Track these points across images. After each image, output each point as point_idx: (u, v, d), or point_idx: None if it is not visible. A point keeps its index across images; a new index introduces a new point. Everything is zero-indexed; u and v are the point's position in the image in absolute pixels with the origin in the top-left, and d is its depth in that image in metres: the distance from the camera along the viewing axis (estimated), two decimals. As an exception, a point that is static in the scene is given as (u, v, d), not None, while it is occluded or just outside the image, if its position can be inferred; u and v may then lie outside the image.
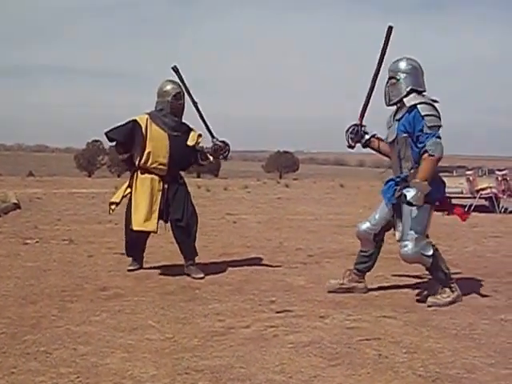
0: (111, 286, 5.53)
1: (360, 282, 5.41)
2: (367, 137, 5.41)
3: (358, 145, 5.46)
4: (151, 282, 5.75)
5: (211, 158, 6.26)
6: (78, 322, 4.35)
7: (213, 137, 6.16)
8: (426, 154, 4.84)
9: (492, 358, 3.67)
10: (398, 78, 5.08)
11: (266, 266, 6.67)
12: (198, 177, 41.00)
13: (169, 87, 6.05)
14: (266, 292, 5.38)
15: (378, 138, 5.41)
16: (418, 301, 5.10)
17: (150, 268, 6.37)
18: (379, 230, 5.29)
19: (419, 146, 4.89)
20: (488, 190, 14.98)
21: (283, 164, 51.40)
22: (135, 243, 6.25)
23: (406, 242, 4.93)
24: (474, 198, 14.60)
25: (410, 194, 4.80)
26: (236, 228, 10.33)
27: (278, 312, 4.68)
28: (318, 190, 24.39)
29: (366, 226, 5.34)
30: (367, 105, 5.39)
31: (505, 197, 15.08)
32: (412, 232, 4.92)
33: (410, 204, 4.83)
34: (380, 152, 5.46)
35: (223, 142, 6.18)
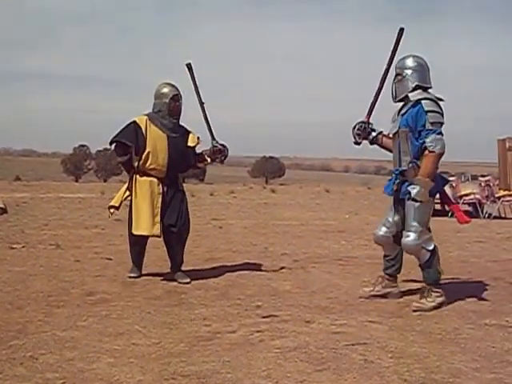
0: (98, 291, 5.52)
1: (394, 287, 5.45)
2: (374, 134, 5.51)
3: (365, 142, 5.54)
4: (138, 287, 5.74)
5: (209, 159, 6.27)
6: (65, 327, 4.34)
7: (213, 138, 6.19)
8: (426, 151, 4.94)
9: (477, 363, 3.70)
10: (405, 74, 5.17)
11: (252, 270, 6.68)
12: (183, 182, 40.82)
13: (167, 89, 6.05)
14: (252, 297, 5.39)
15: (384, 135, 5.50)
16: (403, 306, 5.13)
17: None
18: (397, 231, 5.32)
19: (419, 141, 4.98)
20: (471, 196, 15.08)
21: (269, 169, 51.43)
22: (140, 249, 6.24)
23: (410, 233, 5.01)
24: (458, 203, 14.69)
25: (414, 190, 4.94)
26: (222, 233, 10.33)
27: (264, 317, 4.69)
28: (303, 195, 24.43)
29: (383, 230, 5.38)
30: (375, 103, 5.48)
31: (488, 202, 15.18)
32: (416, 224, 5.00)
33: (414, 200, 4.95)
34: (386, 149, 5.53)
35: (223, 145, 6.21)
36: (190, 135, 6.17)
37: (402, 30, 5.28)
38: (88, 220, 11.59)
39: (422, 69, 5.19)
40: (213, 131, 6.17)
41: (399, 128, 5.13)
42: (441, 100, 5.10)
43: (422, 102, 5.01)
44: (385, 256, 5.50)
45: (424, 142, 4.93)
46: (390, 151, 5.43)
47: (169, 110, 6.02)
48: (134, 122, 5.99)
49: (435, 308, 4.97)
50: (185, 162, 6.20)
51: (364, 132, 5.48)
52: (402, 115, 5.16)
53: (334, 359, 3.72)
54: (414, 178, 5.01)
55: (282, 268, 6.86)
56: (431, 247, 5.05)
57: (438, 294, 5.06)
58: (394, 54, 5.31)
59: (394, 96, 5.28)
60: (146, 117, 6.02)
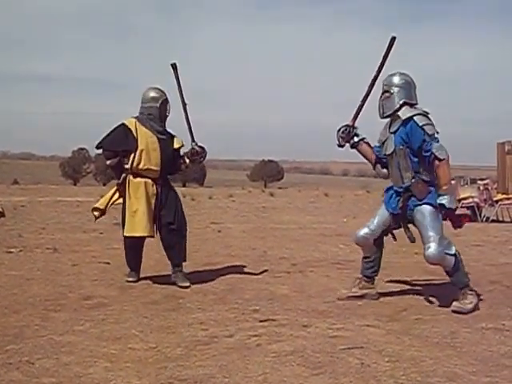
0: (95, 296, 5.52)
1: (370, 288, 5.50)
2: (356, 139, 5.56)
3: (347, 145, 5.59)
4: (135, 292, 5.74)
5: (187, 161, 6.30)
6: (62, 332, 4.34)
7: (193, 140, 6.22)
8: (436, 161, 5.03)
9: (473, 367, 3.70)
10: (392, 91, 5.27)
11: (250, 274, 6.69)
12: (184, 186, 40.95)
13: (156, 94, 6.10)
14: (250, 301, 5.39)
15: (366, 143, 5.57)
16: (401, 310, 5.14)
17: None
18: (379, 235, 5.41)
19: (425, 154, 5.07)
20: (470, 200, 15.10)
21: (268, 173, 51.46)
22: (136, 252, 6.24)
23: (430, 244, 5.03)
24: (456, 207, 14.72)
25: (445, 201, 5.04)
26: (220, 237, 10.34)
27: (261, 321, 4.69)
28: (302, 198, 24.46)
29: (364, 231, 5.46)
30: (361, 108, 5.54)
31: (486, 206, 15.20)
32: (433, 233, 5.04)
33: (450, 209, 5.09)
34: (365, 157, 5.62)
35: (201, 147, 6.25)
36: (175, 138, 6.24)
37: (393, 38, 5.34)
38: (86, 224, 11.60)
39: (408, 86, 5.29)
40: (193, 133, 6.21)
41: (395, 147, 5.23)
42: (428, 113, 5.21)
43: (415, 118, 5.12)
44: (364, 258, 5.57)
45: (431, 154, 5.03)
46: (367, 159, 5.58)
47: (159, 114, 6.07)
48: (123, 124, 6.02)
49: (472, 311, 5.02)
50: (175, 163, 6.25)
51: (348, 136, 5.54)
52: (394, 133, 5.26)
53: (331, 363, 3.72)
54: (420, 190, 5.11)
55: (280, 272, 6.87)
56: (453, 251, 5.11)
57: (473, 296, 5.13)
58: (385, 62, 5.38)
59: (382, 112, 5.37)
60: (135, 119, 6.06)
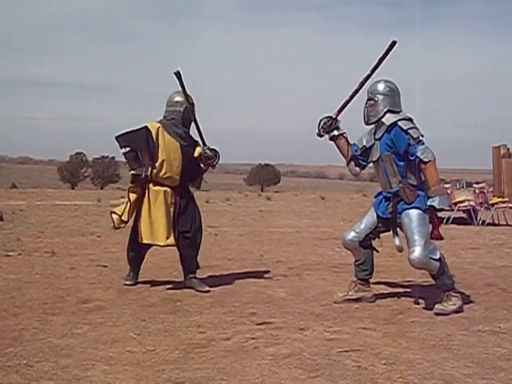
0: (93, 299, 5.54)
1: (366, 291, 5.54)
2: (336, 132, 5.60)
3: (326, 136, 5.63)
4: (133, 295, 5.75)
5: (202, 165, 6.25)
6: (60, 335, 4.35)
7: (204, 144, 6.16)
8: (422, 164, 5.08)
9: (469, 369, 3.72)
10: (376, 99, 5.33)
11: (247, 278, 6.70)
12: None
13: (181, 98, 6.05)
14: (247, 304, 5.41)
15: (345, 138, 5.61)
16: (397, 313, 5.16)
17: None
18: (363, 238, 5.47)
19: (411, 158, 5.12)
20: (466, 203, 15.13)
21: (265, 177, 51.34)
22: (140, 257, 6.26)
23: (415, 248, 5.07)
24: (452, 210, 14.76)
25: (435, 202, 5.10)
26: (217, 240, 10.34)
27: (258, 324, 4.72)
28: (298, 202, 24.44)
29: (351, 235, 5.53)
30: (347, 104, 5.57)
31: (482, 209, 15.24)
32: (418, 238, 5.08)
33: (441, 210, 5.19)
34: (341, 151, 5.66)
35: (214, 150, 6.18)
36: (197, 147, 6.17)
37: (394, 42, 5.38)
38: (84, 227, 11.60)
39: (393, 94, 5.37)
40: (203, 137, 6.16)
41: (381, 153, 5.30)
42: (412, 119, 5.28)
43: (399, 123, 5.20)
44: (355, 261, 5.62)
45: (416, 158, 5.08)
46: (343, 154, 5.62)
47: (182, 118, 6.04)
48: (146, 127, 5.96)
49: (455, 312, 5.05)
50: (195, 171, 6.21)
51: (329, 128, 5.58)
52: (379, 139, 5.33)
53: (328, 366, 3.74)
54: (407, 195, 5.16)
55: (277, 275, 6.89)
56: (438, 256, 5.13)
57: (458, 298, 5.17)
58: (380, 63, 5.41)
59: (366, 119, 5.43)
60: (158, 124, 6.01)
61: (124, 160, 6.10)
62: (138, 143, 5.93)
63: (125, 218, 6.04)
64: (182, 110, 6.03)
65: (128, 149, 5.96)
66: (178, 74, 6.00)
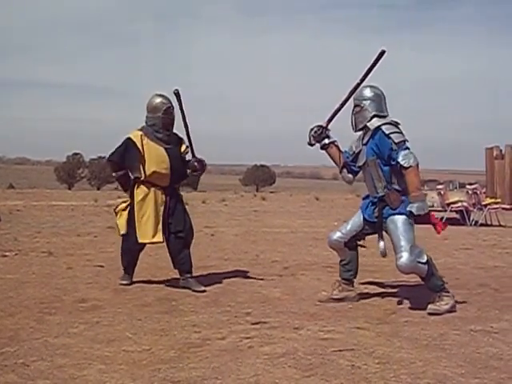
0: (89, 298, 5.56)
1: (350, 291, 5.57)
2: (327, 141, 5.62)
3: (318, 145, 5.66)
4: (129, 294, 5.78)
5: (189, 172, 6.34)
6: (56, 334, 4.38)
7: (193, 156, 6.25)
8: (403, 169, 5.10)
9: (462, 368, 3.75)
10: (363, 105, 5.37)
11: (243, 278, 6.74)
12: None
13: (158, 102, 6.10)
14: (242, 304, 5.44)
15: (336, 146, 5.64)
16: (390, 312, 5.19)
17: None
18: (349, 239, 5.50)
19: (393, 163, 5.15)
20: (459, 204, 15.21)
21: (260, 177, 51.32)
22: (133, 257, 6.30)
23: (401, 254, 5.09)
24: (445, 211, 14.84)
25: (414, 208, 5.10)
26: (213, 241, 10.37)
27: (253, 323, 4.74)
28: (293, 203, 24.49)
29: (336, 235, 5.57)
30: (337, 113, 5.59)
31: (475, 210, 15.31)
32: (404, 243, 5.10)
33: (419, 216, 5.12)
34: (333, 159, 5.70)
35: (201, 161, 6.26)
36: (183, 144, 6.26)
37: (383, 52, 5.35)
38: (80, 227, 11.62)
39: (378, 99, 5.39)
40: (194, 150, 6.24)
41: (367, 158, 5.34)
42: (398, 124, 5.31)
43: (382, 127, 5.23)
44: (340, 261, 5.66)
45: (398, 163, 5.12)
46: (335, 162, 5.66)
47: (162, 123, 6.08)
48: (129, 138, 6.06)
49: (448, 311, 5.09)
50: (183, 170, 6.28)
51: (319, 136, 5.61)
52: (365, 145, 5.37)
53: (322, 365, 3.77)
54: (392, 200, 5.19)
55: (272, 275, 6.92)
56: (425, 259, 5.15)
57: (450, 297, 5.20)
58: (370, 72, 5.41)
59: (354, 126, 5.48)
60: (140, 132, 6.08)
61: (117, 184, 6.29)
62: (127, 155, 6.05)
63: (123, 231, 6.18)
64: (161, 115, 6.07)
65: (120, 173, 6.16)
66: (177, 94, 6.02)
